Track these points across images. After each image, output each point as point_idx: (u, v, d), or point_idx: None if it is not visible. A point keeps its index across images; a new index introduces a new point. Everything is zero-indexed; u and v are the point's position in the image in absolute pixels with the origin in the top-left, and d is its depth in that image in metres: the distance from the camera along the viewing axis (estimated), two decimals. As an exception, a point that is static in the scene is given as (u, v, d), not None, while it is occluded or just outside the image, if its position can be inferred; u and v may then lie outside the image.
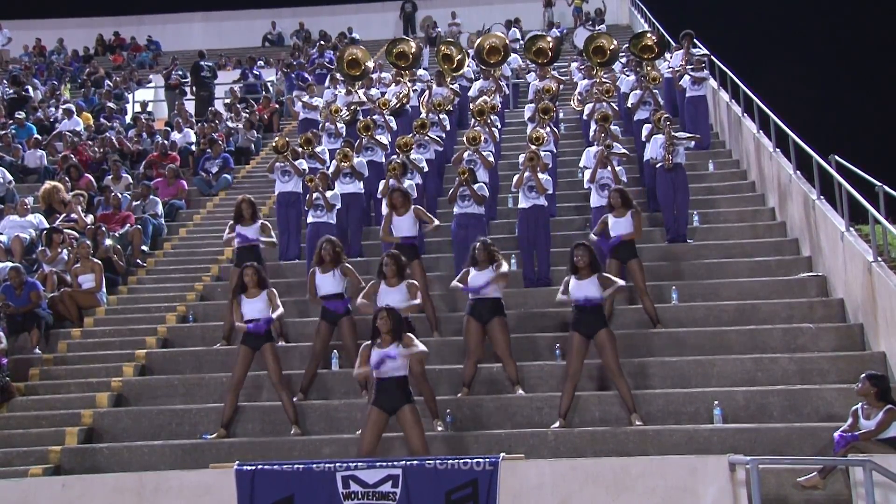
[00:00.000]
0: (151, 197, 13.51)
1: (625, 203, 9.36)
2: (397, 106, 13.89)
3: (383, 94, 14.31)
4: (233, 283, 9.02)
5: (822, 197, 10.07)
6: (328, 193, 10.72)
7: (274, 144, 11.82)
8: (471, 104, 13.45)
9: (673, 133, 11.09)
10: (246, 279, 8.41)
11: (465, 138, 11.50)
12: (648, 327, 9.38)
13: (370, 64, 14.40)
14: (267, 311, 8.37)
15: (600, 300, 8.09)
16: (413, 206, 9.75)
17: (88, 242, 11.38)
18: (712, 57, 15.09)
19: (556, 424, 7.99)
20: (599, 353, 8.07)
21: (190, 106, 19.34)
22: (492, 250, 8.45)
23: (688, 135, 11.74)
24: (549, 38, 14.84)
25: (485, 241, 8.54)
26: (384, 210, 10.59)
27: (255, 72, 21.40)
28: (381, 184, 10.81)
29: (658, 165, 11.12)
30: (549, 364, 8.91)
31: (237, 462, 6.94)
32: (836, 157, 9.56)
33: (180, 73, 21.04)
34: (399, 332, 7.32)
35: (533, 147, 10.60)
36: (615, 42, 14.02)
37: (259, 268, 8.59)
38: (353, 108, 13.84)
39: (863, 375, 7.22)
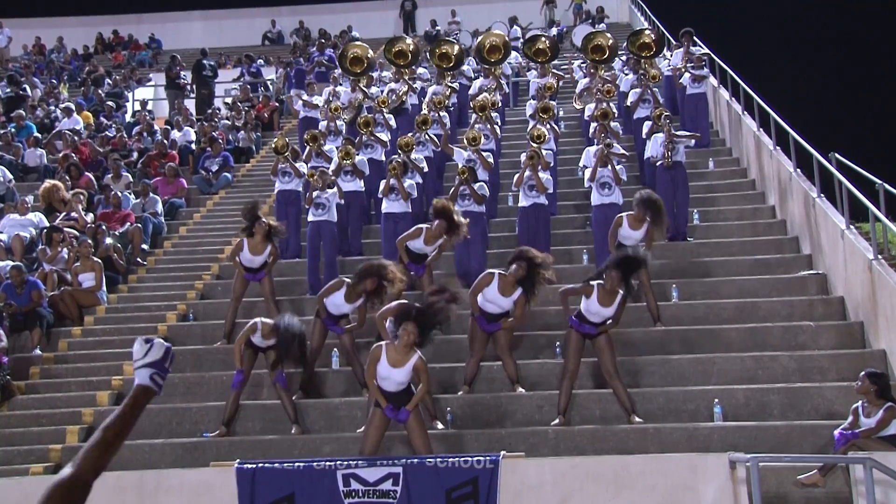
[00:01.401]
0: (151, 195, 13.51)
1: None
2: (398, 104, 13.89)
3: (384, 92, 14.30)
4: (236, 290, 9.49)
5: (822, 195, 10.07)
6: (331, 191, 10.72)
7: (273, 146, 11.82)
8: (471, 101, 13.44)
9: (673, 131, 11.09)
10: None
11: (464, 139, 11.49)
12: (649, 325, 9.39)
13: (371, 54, 14.39)
14: None
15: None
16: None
17: (89, 241, 11.37)
18: (712, 55, 15.08)
19: (556, 422, 8.00)
20: (598, 354, 8.07)
21: (190, 104, 19.34)
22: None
23: (688, 133, 11.74)
24: (545, 38, 14.88)
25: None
26: (384, 207, 10.60)
27: (252, 69, 21.37)
28: (382, 183, 10.81)
29: (658, 164, 11.12)
30: (549, 362, 8.91)
31: (238, 460, 6.95)
32: (837, 154, 9.56)
33: (183, 73, 21.02)
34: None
35: (534, 145, 10.60)
36: (612, 39, 14.04)
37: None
38: (356, 103, 13.84)
39: (862, 373, 7.21)
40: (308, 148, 12.16)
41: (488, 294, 8.28)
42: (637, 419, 7.93)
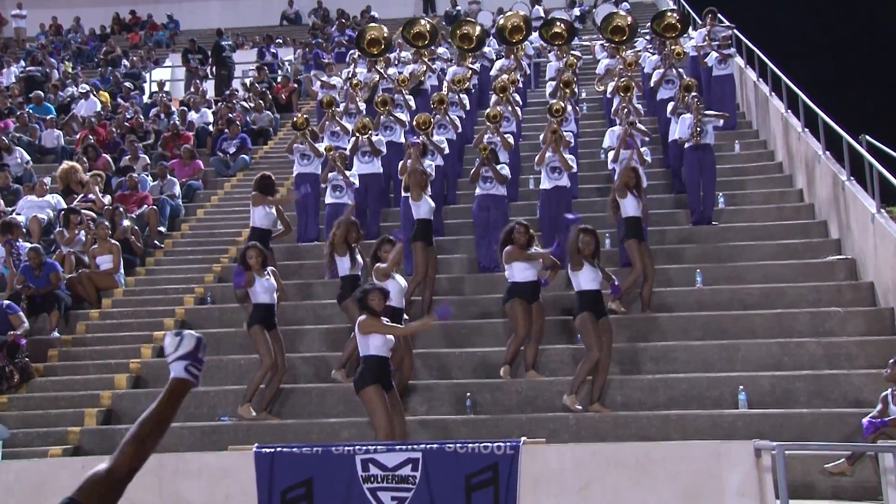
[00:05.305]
0: (169, 177, 13.45)
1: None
2: (416, 83, 13.72)
3: (402, 73, 14.13)
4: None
5: (851, 178, 9.84)
6: (349, 172, 10.61)
7: (294, 121, 11.70)
8: (493, 83, 13.27)
9: (701, 111, 10.85)
10: (251, 261, 8.28)
11: (486, 116, 11.33)
12: (672, 310, 9.25)
13: (385, 31, 14.20)
14: (275, 288, 8.35)
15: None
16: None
17: (106, 223, 11.33)
18: (738, 34, 14.77)
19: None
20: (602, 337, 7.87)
21: (209, 85, 19.23)
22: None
23: (716, 113, 11.49)
24: (560, 21, 14.74)
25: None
26: (403, 192, 10.47)
27: (272, 50, 21.23)
28: (401, 164, 10.67)
29: (687, 145, 10.90)
30: (570, 348, 8.79)
31: (256, 444, 6.89)
32: (867, 136, 9.33)
33: (199, 56, 20.89)
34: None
35: (554, 120, 10.41)
36: (631, 18, 13.87)
37: (261, 248, 8.47)
38: (371, 83, 13.70)
39: (891, 360, 7.05)
40: (325, 115, 12.03)
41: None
42: (605, 409, 7.83)
